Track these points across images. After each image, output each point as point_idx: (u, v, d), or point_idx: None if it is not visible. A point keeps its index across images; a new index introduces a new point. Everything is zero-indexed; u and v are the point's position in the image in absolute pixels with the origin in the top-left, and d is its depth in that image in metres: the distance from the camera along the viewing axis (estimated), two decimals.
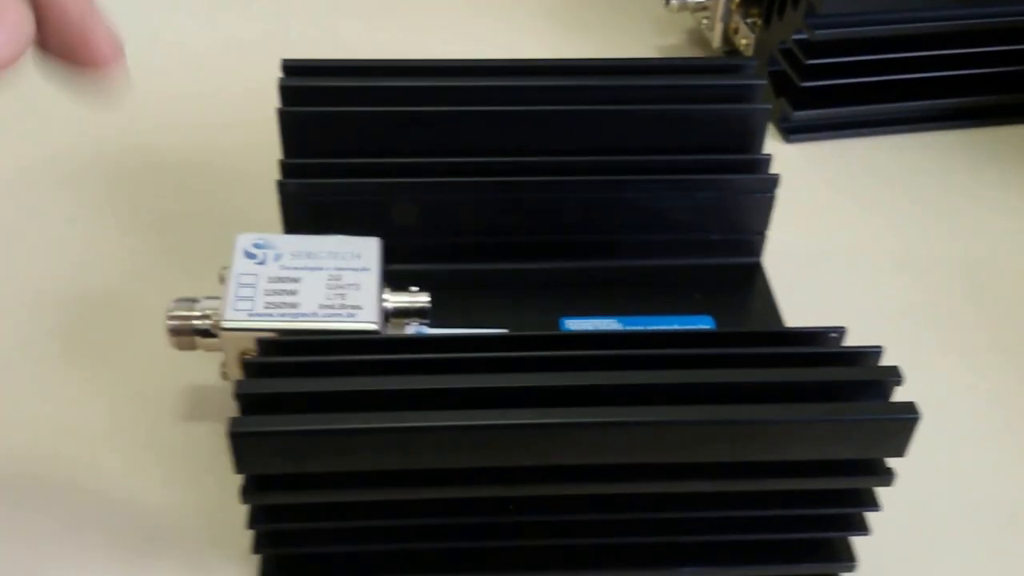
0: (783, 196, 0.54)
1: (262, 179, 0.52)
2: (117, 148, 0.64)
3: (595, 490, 0.41)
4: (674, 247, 0.55)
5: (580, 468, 0.40)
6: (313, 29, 0.75)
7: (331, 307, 0.46)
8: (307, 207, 0.51)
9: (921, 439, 0.40)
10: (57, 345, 0.53)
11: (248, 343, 0.44)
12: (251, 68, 0.62)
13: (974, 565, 0.47)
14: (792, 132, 0.68)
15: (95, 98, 0.37)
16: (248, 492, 0.39)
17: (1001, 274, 0.60)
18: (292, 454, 0.38)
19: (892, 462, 0.41)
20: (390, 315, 0.48)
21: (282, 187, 0.51)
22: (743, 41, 0.71)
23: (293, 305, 0.45)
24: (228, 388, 0.39)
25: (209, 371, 0.49)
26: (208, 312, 0.46)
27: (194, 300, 0.47)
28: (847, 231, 0.62)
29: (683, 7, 0.72)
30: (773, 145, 0.66)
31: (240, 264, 0.47)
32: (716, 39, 0.73)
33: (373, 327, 0.45)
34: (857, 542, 0.44)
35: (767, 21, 0.69)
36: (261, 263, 0.47)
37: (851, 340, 0.43)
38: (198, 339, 0.47)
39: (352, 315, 0.45)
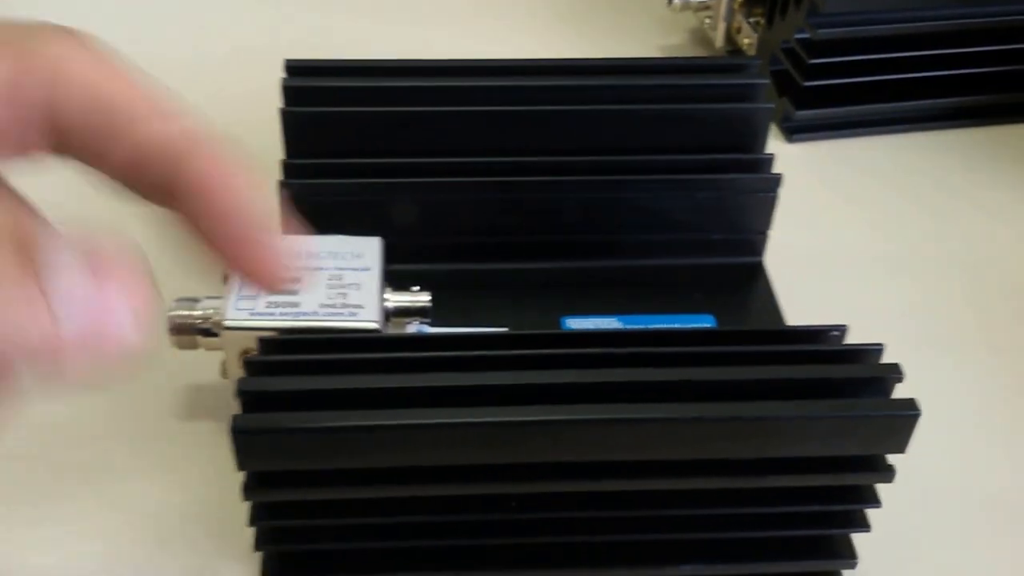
0: (785, 196, 0.54)
1: (264, 179, 0.52)
2: None
3: (597, 487, 0.41)
4: (675, 247, 0.55)
5: (582, 465, 0.40)
6: (315, 29, 0.75)
7: (332, 306, 0.46)
8: (308, 207, 0.51)
9: (921, 437, 0.40)
10: None
11: (249, 342, 0.44)
12: (253, 68, 0.62)
13: (974, 563, 0.47)
14: (794, 132, 0.68)
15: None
16: (250, 489, 0.39)
17: (1003, 274, 0.60)
18: (294, 451, 0.38)
19: (893, 461, 0.41)
20: (391, 314, 0.48)
21: (283, 187, 0.51)
22: (746, 40, 0.71)
23: (294, 304, 0.45)
24: (228, 387, 0.39)
25: (210, 370, 0.49)
26: (209, 311, 0.46)
27: (195, 300, 0.47)
28: (848, 231, 0.62)
29: (686, 6, 0.72)
30: (775, 145, 0.65)
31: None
32: (719, 38, 0.73)
33: (374, 326, 0.45)
34: (858, 540, 0.44)
35: (770, 20, 0.69)
36: None
37: (852, 339, 0.43)
38: (199, 338, 0.47)
39: (353, 314, 0.45)
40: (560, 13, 0.78)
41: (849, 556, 0.44)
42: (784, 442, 0.39)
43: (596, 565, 0.43)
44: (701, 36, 0.75)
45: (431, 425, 0.38)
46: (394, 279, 0.49)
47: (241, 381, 0.38)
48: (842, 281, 0.59)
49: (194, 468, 0.48)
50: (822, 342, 0.43)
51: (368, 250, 0.48)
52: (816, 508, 0.42)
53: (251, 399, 0.38)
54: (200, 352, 0.47)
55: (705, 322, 0.53)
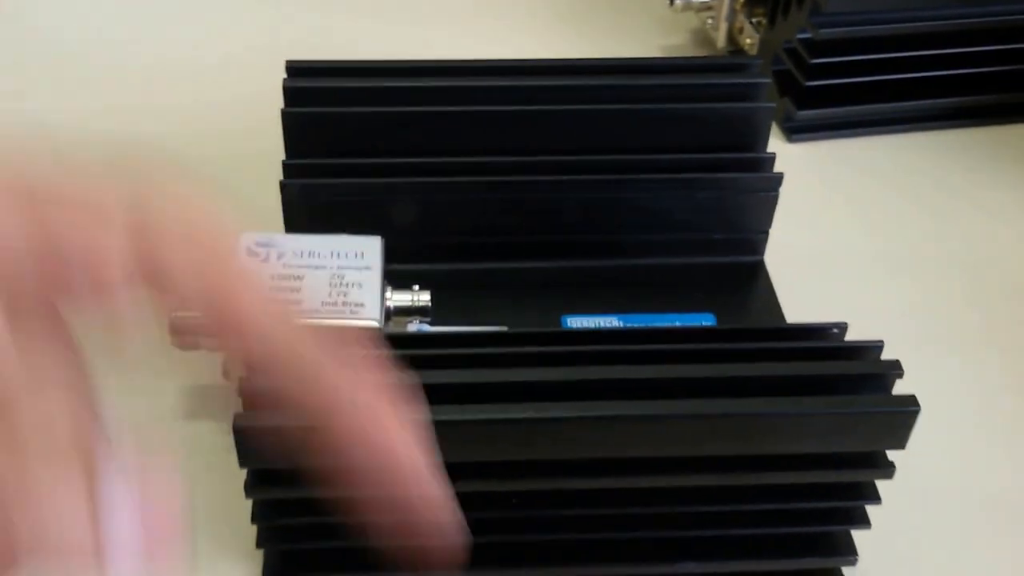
0: (786, 196, 0.54)
1: (265, 179, 0.52)
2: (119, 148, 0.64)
3: (596, 484, 0.41)
4: (676, 246, 0.55)
5: (582, 462, 0.40)
6: (316, 30, 0.75)
7: (334, 305, 0.46)
8: (309, 207, 0.51)
9: (921, 436, 0.40)
10: None
11: None
12: (254, 69, 0.63)
13: (974, 560, 0.47)
14: (796, 132, 0.68)
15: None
16: (251, 487, 0.40)
17: (1003, 274, 0.60)
18: (296, 449, 0.38)
19: (893, 458, 0.41)
20: (392, 313, 0.48)
21: (285, 187, 0.51)
22: (748, 41, 0.71)
23: (296, 303, 0.46)
24: (230, 386, 0.39)
25: (212, 370, 0.49)
26: None
27: None
28: (849, 231, 0.62)
29: (687, 7, 0.72)
30: (777, 145, 0.65)
31: (243, 262, 0.47)
32: (720, 39, 0.73)
33: (375, 324, 0.45)
34: (858, 536, 0.44)
35: (772, 20, 0.69)
36: (264, 261, 0.47)
37: (853, 338, 0.43)
38: (200, 338, 0.47)
39: (354, 313, 0.46)
40: (561, 13, 0.78)
41: (849, 553, 0.44)
42: (784, 438, 0.39)
43: (596, 562, 0.43)
44: (703, 36, 0.75)
45: (431, 422, 0.38)
46: (395, 278, 0.49)
47: (243, 379, 0.38)
48: (843, 281, 0.59)
49: (196, 467, 0.48)
50: (822, 339, 0.43)
51: (369, 249, 0.48)
52: (816, 505, 0.42)
53: (252, 397, 0.38)
54: (202, 352, 0.47)
55: (705, 321, 0.53)
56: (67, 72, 0.70)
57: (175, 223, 0.26)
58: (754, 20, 0.70)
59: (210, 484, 0.47)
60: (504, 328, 0.46)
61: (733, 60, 0.57)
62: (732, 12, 0.71)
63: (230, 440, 0.37)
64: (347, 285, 0.47)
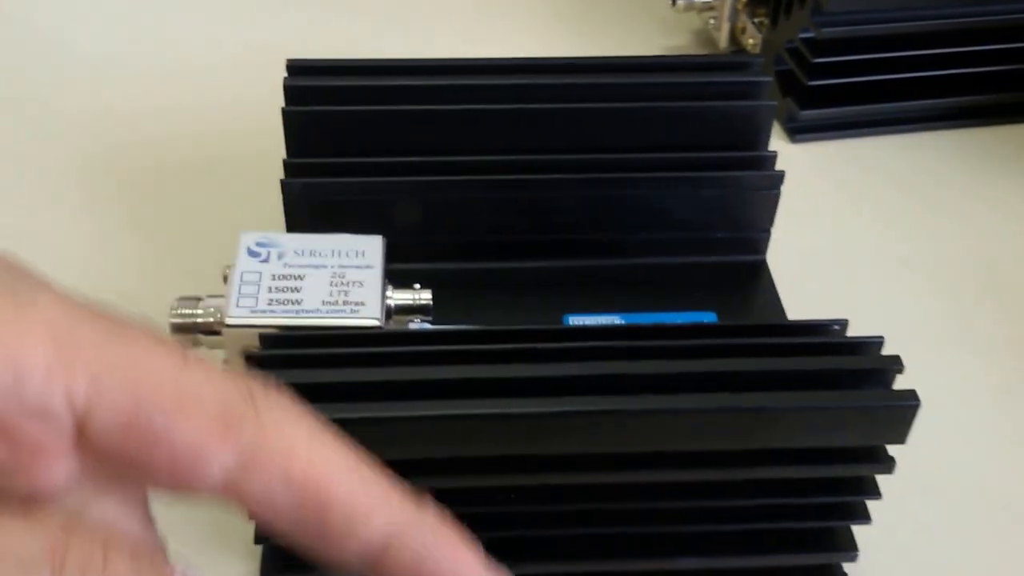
0: (789, 196, 0.54)
1: (266, 178, 0.52)
2: (121, 148, 0.65)
3: (595, 479, 0.41)
4: (678, 245, 0.55)
5: (582, 457, 0.40)
6: (317, 29, 0.75)
7: (334, 304, 0.46)
8: (311, 206, 0.51)
9: (923, 432, 0.40)
10: None
11: (251, 340, 0.44)
12: (255, 68, 0.63)
13: (974, 556, 0.47)
14: (798, 132, 0.68)
15: None
16: None
17: (1006, 273, 0.60)
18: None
19: (895, 454, 0.41)
20: (393, 312, 0.48)
21: (286, 186, 0.51)
22: (750, 41, 0.71)
23: (296, 302, 0.46)
24: None
25: None
26: (211, 310, 0.47)
27: (197, 299, 0.47)
28: (852, 231, 0.62)
29: (689, 7, 0.72)
30: (779, 145, 0.65)
31: (244, 262, 0.47)
32: (723, 39, 0.73)
33: (376, 323, 0.45)
34: (859, 532, 0.44)
35: (774, 20, 0.69)
36: (265, 261, 0.47)
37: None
38: (201, 337, 0.47)
39: (355, 311, 0.46)
40: (562, 14, 0.78)
41: (850, 548, 0.44)
42: (784, 433, 0.39)
43: (596, 557, 0.43)
44: (705, 37, 0.75)
45: (430, 418, 0.38)
46: (396, 277, 0.49)
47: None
48: (845, 281, 0.59)
49: None
50: (823, 336, 0.42)
51: (370, 248, 0.48)
52: (817, 500, 0.42)
53: None
54: (203, 351, 0.47)
55: (707, 320, 0.53)
56: (67, 72, 0.70)
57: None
58: (756, 20, 0.70)
59: None
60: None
61: (734, 59, 0.57)
62: (734, 12, 0.71)
63: None
64: (348, 284, 0.47)
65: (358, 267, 0.47)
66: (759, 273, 0.56)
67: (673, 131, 0.53)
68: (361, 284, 0.47)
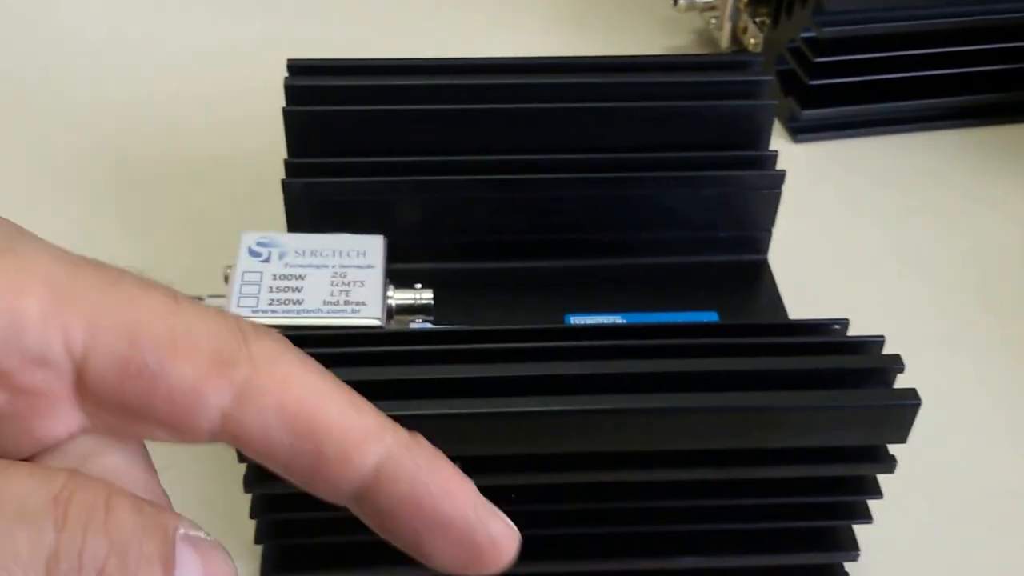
0: (791, 195, 0.54)
1: (267, 178, 0.52)
2: (122, 148, 0.65)
3: (595, 478, 0.41)
4: (679, 244, 0.55)
5: (583, 456, 0.40)
6: (318, 29, 0.75)
7: (335, 303, 0.46)
8: (312, 206, 0.51)
9: (924, 432, 0.40)
10: None
11: None
12: (256, 68, 0.63)
13: (975, 555, 0.47)
14: (800, 132, 0.68)
15: None
16: (250, 482, 0.40)
17: (1009, 273, 0.60)
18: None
19: (896, 453, 0.41)
20: (394, 312, 0.48)
21: (287, 186, 0.51)
22: (752, 40, 0.71)
23: (297, 302, 0.46)
24: None
25: None
26: None
27: (199, 299, 0.47)
28: (854, 230, 0.62)
29: (691, 7, 0.72)
30: (782, 145, 0.65)
31: (245, 262, 0.47)
32: (725, 39, 0.73)
33: (377, 323, 0.45)
34: (860, 531, 0.44)
35: (775, 20, 0.69)
36: (266, 261, 0.47)
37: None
38: None
39: (356, 311, 0.46)
40: (563, 14, 0.78)
41: (851, 548, 0.44)
42: (785, 432, 0.39)
43: (598, 556, 0.43)
44: (707, 36, 0.75)
45: (431, 417, 0.38)
46: (397, 277, 0.49)
47: None
48: (848, 280, 0.59)
49: (197, 464, 0.48)
50: (824, 335, 0.42)
51: (371, 248, 0.48)
52: (818, 499, 0.42)
53: None
54: None
55: (708, 319, 0.53)
56: (67, 72, 0.70)
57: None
58: (758, 19, 0.70)
59: (209, 480, 0.47)
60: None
61: (735, 58, 0.57)
62: (736, 12, 0.71)
63: None
64: (349, 284, 0.47)
65: (359, 267, 0.47)
66: (760, 273, 0.56)
67: (673, 131, 0.53)
68: (362, 284, 0.47)
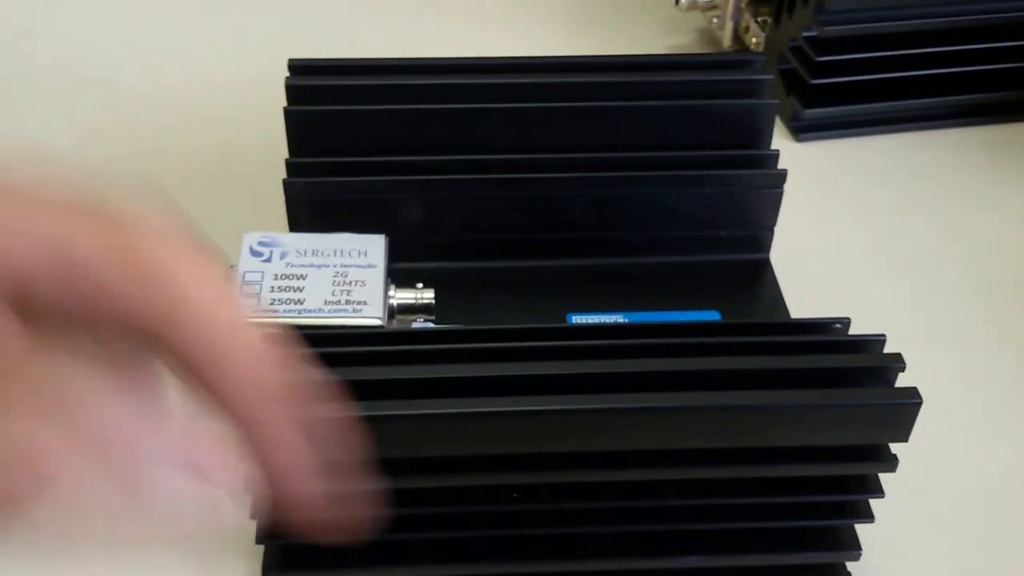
0: (793, 194, 0.54)
1: (268, 178, 0.53)
2: (123, 147, 0.65)
3: (598, 477, 0.41)
4: (681, 243, 0.55)
5: (586, 455, 0.40)
6: (319, 28, 0.75)
7: (337, 303, 0.46)
8: (313, 206, 0.52)
9: (926, 431, 0.40)
10: None
11: None
12: (257, 68, 0.63)
13: (977, 554, 0.46)
14: (802, 131, 0.68)
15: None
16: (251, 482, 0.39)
17: (1011, 272, 0.60)
18: None
19: (897, 453, 0.41)
20: (395, 311, 0.48)
21: (288, 186, 0.51)
22: (753, 40, 0.71)
23: (299, 301, 0.46)
24: None
25: None
26: None
27: None
28: (857, 229, 0.62)
29: (693, 6, 0.72)
30: (784, 144, 0.65)
31: (246, 262, 0.47)
32: (726, 38, 0.72)
33: (378, 323, 0.45)
34: (861, 531, 0.44)
35: (777, 19, 0.69)
36: (267, 261, 0.47)
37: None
38: None
39: (357, 311, 0.46)
40: (565, 15, 0.78)
41: (853, 547, 0.43)
42: (787, 431, 0.39)
43: (601, 556, 0.43)
44: (709, 36, 0.75)
45: (433, 416, 0.38)
46: (398, 277, 0.49)
47: None
48: (850, 279, 0.59)
49: None
50: (826, 334, 0.42)
51: (373, 248, 0.48)
52: (820, 498, 0.42)
53: None
54: None
55: (710, 319, 0.53)
56: (67, 73, 0.70)
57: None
58: (760, 19, 0.70)
59: None
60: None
61: (736, 57, 0.57)
62: (738, 11, 0.71)
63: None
64: (350, 283, 0.47)
65: (360, 266, 0.47)
66: (762, 271, 0.56)
67: (675, 130, 0.53)
68: (364, 283, 0.47)
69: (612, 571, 0.44)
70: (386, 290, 0.47)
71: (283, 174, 0.51)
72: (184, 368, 0.26)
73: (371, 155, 0.52)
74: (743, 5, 0.71)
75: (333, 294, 0.46)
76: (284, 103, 0.51)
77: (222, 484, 0.26)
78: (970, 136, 0.69)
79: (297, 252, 0.48)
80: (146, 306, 0.25)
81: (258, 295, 0.46)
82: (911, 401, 0.38)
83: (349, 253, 0.48)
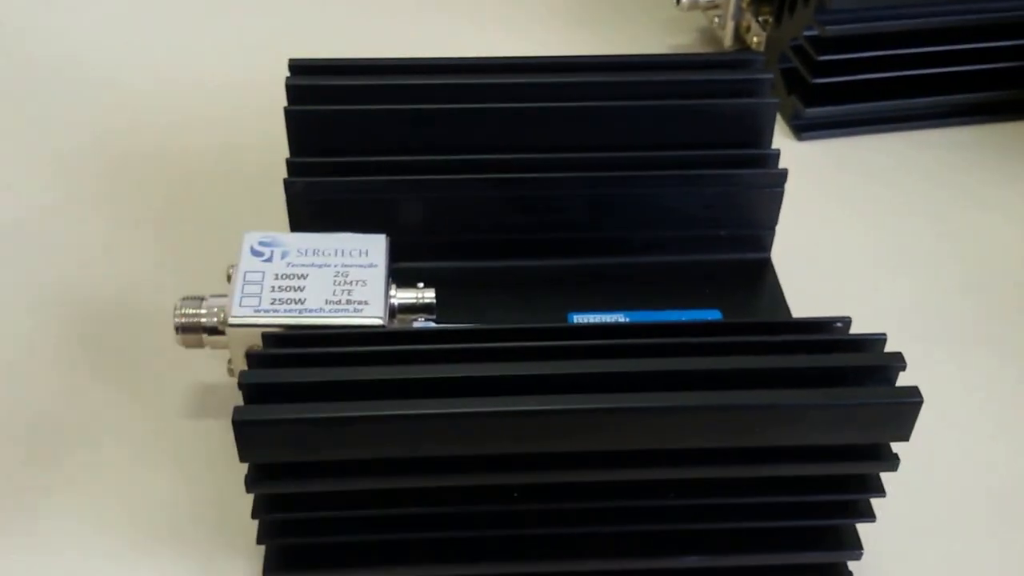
0: (795, 193, 0.54)
1: (269, 178, 0.53)
2: (124, 148, 0.65)
3: (598, 477, 0.41)
4: (682, 243, 0.55)
5: (586, 455, 0.40)
6: (319, 28, 0.75)
7: (337, 303, 0.46)
8: (314, 205, 0.52)
9: (927, 431, 0.40)
10: (67, 344, 0.53)
11: (254, 339, 0.44)
12: (258, 68, 0.63)
13: (978, 554, 0.46)
14: (804, 130, 0.68)
15: None
16: (252, 482, 0.40)
17: (1012, 272, 0.59)
18: (296, 442, 0.38)
19: (898, 451, 0.40)
20: (396, 311, 0.48)
21: (289, 185, 0.51)
22: (755, 39, 0.71)
23: (299, 301, 0.46)
24: (235, 385, 0.39)
25: (216, 369, 0.49)
26: (215, 309, 0.47)
27: (201, 298, 0.47)
28: (858, 228, 0.62)
29: (694, 6, 0.72)
30: (785, 143, 0.65)
31: (247, 262, 0.47)
32: (728, 37, 0.73)
33: (379, 322, 0.45)
34: (863, 530, 0.44)
35: (778, 18, 0.69)
36: (268, 260, 0.47)
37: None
38: (205, 336, 0.47)
39: (358, 310, 0.46)
40: (566, 14, 0.78)
41: (854, 546, 0.43)
42: (788, 430, 0.39)
43: (601, 555, 0.43)
44: (710, 35, 0.75)
45: (433, 415, 0.38)
46: (399, 276, 0.49)
47: (243, 373, 0.39)
48: (851, 279, 0.59)
49: (200, 464, 0.48)
50: (827, 333, 0.42)
51: (373, 247, 0.48)
52: (821, 498, 0.42)
53: (253, 391, 0.38)
54: (207, 350, 0.48)
55: (712, 318, 0.53)
56: (67, 73, 0.70)
57: None
58: (761, 18, 0.70)
59: (212, 480, 0.47)
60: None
61: (736, 56, 0.57)
62: (739, 10, 0.71)
63: (232, 437, 0.37)
64: (351, 283, 0.47)
65: (361, 266, 0.47)
66: (764, 271, 0.56)
67: (676, 129, 0.53)
68: (364, 283, 0.47)
69: (612, 571, 0.44)
70: (387, 290, 0.47)
71: (283, 174, 0.51)
72: None
73: (371, 155, 0.52)
74: (744, 4, 0.71)
75: (334, 294, 0.46)
76: (284, 103, 0.51)
77: None
78: (973, 134, 0.69)
79: (298, 252, 0.48)
80: None
81: (259, 295, 0.46)
82: (912, 400, 0.38)
83: (350, 253, 0.48)
